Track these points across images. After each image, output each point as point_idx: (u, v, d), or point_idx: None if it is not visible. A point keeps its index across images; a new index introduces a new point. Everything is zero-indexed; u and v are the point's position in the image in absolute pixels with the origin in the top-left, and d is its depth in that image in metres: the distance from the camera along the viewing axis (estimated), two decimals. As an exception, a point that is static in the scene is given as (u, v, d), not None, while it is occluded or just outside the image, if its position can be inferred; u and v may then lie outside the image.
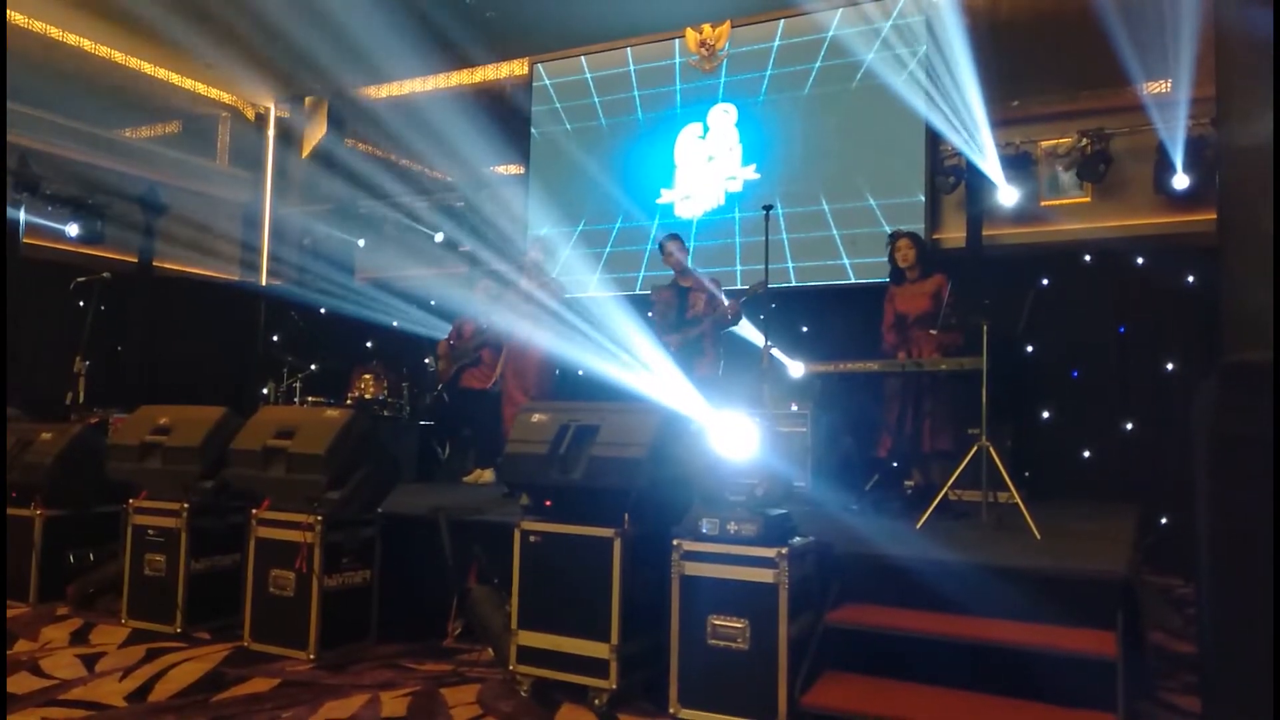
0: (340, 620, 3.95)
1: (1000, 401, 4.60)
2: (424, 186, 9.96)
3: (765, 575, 3.06)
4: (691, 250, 7.62)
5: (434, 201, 9.63)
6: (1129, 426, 6.50)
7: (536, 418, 3.68)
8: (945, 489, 4.55)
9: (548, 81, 9.09)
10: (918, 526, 4.31)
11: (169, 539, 4.33)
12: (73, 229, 8.53)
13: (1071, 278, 6.76)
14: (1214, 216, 4.96)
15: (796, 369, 5.71)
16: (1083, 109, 7.12)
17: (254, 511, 4.09)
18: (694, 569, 3.21)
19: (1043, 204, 7.23)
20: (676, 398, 4.72)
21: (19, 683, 3.47)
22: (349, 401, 7.46)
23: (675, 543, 3.26)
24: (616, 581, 3.31)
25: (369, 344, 9.26)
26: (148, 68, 9.46)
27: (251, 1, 7.56)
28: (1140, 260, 6.62)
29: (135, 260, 9.45)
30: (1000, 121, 7.06)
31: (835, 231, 7.60)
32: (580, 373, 6.70)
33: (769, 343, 5.59)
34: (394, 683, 3.54)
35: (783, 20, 7.96)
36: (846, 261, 7.53)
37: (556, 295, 6.06)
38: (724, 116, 8.23)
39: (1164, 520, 6.04)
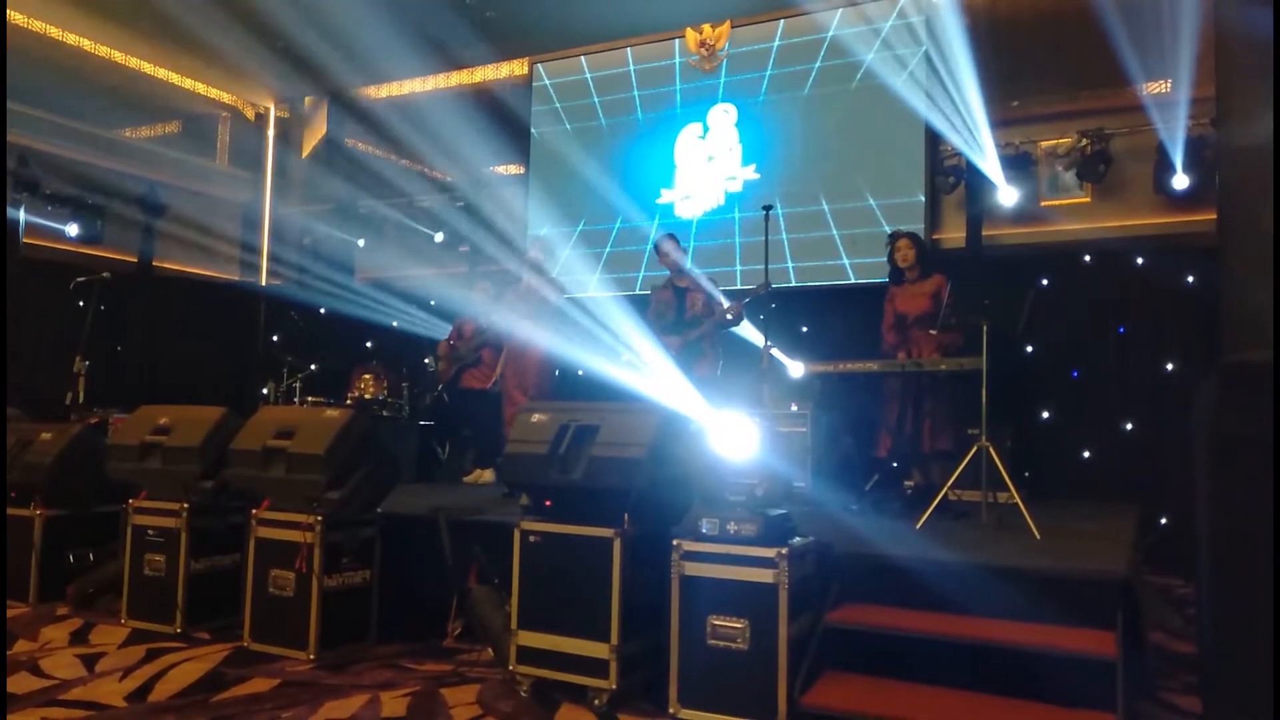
0: (340, 620, 3.95)
1: (1000, 401, 4.60)
2: (424, 186, 9.96)
3: (765, 575, 3.06)
4: (691, 250, 7.65)
5: (434, 201, 9.63)
6: (1129, 426, 6.50)
7: (536, 418, 3.68)
8: (945, 489, 4.55)
9: (547, 81, 9.09)
10: (918, 526, 4.31)
11: (169, 539, 4.33)
12: (73, 229, 8.53)
13: (1071, 278, 6.76)
14: (1214, 216, 4.97)
15: (796, 369, 5.71)
16: (1083, 109, 7.12)
17: (254, 511, 4.09)
18: (694, 569, 3.21)
19: (1042, 204, 7.23)
20: (676, 398, 4.72)
21: (19, 683, 3.47)
22: (349, 401, 7.46)
23: (675, 543, 3.26)
24: (616, 582, 3.31)
25: (369, 344, 9.26)
26: (148, 68, 9.46)
27: (251, 1, 7.56)
28: (1140, 260, 6.62)
29: (135, 260, 9.45)
30: (1000, 121, 7.06)
31: (835, 231, 7.60)
32: (580, 373, 6.71)
33: (769, 343, 5.59)
34: (394, 683, 3.54)
35: (783, 20, 7.96)
36: (846, 261, 7.53)
37: (556, 295, 6.06)
38: (724, 116, 8.22)
39: (1164, 520, 6.05)
